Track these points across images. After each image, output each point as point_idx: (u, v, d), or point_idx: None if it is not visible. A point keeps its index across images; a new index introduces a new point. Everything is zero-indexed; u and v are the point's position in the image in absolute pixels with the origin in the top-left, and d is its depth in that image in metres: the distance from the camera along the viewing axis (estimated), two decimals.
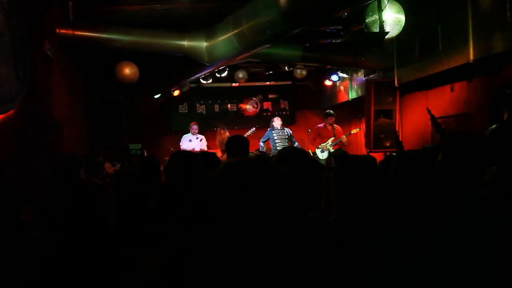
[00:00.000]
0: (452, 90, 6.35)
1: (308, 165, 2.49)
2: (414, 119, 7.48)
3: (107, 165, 6.40)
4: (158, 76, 8.65)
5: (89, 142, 7.99)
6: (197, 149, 8.59)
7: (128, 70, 6.40)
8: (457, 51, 5.60)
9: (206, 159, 3.12)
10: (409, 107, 7.67)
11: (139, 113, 9.93)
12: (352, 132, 8.58)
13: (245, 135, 7.99)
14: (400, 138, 7.74)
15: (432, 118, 3.42)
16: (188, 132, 9.20)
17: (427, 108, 3.36)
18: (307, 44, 7.80)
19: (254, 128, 8.70)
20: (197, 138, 9.10)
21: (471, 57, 5.35)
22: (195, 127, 9.13)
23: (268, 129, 8.53)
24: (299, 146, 8.39)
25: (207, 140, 9.28)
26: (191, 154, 2.78)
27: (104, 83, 8.07)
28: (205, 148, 8.91)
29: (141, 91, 8.82)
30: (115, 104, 8.48)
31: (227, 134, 8.10)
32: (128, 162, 7.21)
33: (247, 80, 10.01)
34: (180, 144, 9.05)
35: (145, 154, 8.26)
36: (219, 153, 8.65)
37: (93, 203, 1.82)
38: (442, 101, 6.56)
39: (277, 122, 8.40)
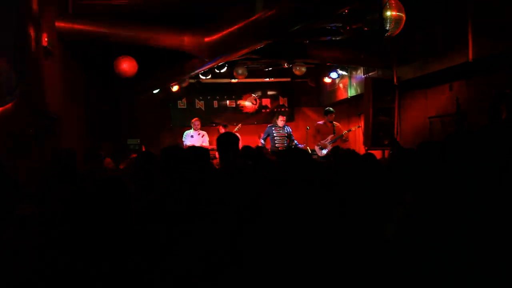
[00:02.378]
0: (451, 89, 6.36)
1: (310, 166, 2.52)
2: (413, 118, 7.49)
3: (108, 161, 6.38)
4: (157, 71, 8.63)
5: (87, 136, 7.97)
6: (198, 145, 8.56)
7: (126, 65, 6.39)
8: (457, 50, 5.60)
9: (196, 154, 3.12)
10: (408, 106, 7.68)
11: (137, 108, 9.92)
12: (352, 129, 8.58)
13: (234, 131, 8.03)
14: (397, 135, 7.76)
15: None
16: (190, 128, 9.17)
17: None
18: (307, 41, 7.80)
19: (240, 125, 8.79)
20: (199, 134, 9.06)
21: (470, 56, 5.36)
22: (197, 123, 9.08)
23: (269, 125, 8.50)
24: (298, 145, 8.39)
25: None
26: (179, 149, 2.78)
27: (103, 77, 8.05)
28: (208, 144, 8.89)
29: (140, 85, 8.79)
30: (113, 98, 8.45)
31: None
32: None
33: (246, 77, 10.00)
34: (183, 140, 9.02)
35: (143, 150, 8.25)
36: None
37: (104, 198, 1.80)
38: (441, 100, 6.57)
39: (280, 120, 8.35)
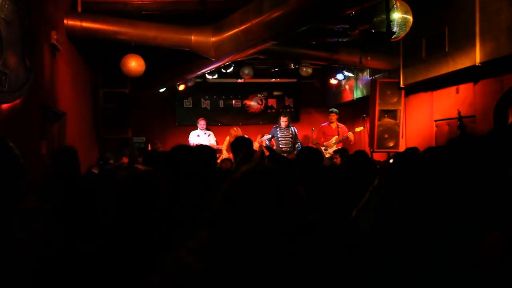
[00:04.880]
0: (457, 92, 6.34)
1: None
2: (418, 120, 7.47)
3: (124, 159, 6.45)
4: (164, 70, 8.67)
5: (94, 133, 8.02)
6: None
7: (134, 63, 6.42)
8: (464, 53, 5.59)
9: (203, 153, 3.14)
10: (414, 108, 7.66)
11: (143, 106, 9.95)
12: (356, 130, 8.58)
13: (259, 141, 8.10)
14: (403, 137, 7.73)
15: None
16: (195, 127, 9.22)
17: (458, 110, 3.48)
18: (314, 42, 7.80)
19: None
20: (205, 133, 9.11)
21: (478, 59, 5.34)
22: (202, 122, 9.14)
23: (274, 126, 8.53)
24: (301, 146, 8.40)
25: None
26: (189, 149, 2.79)
27: (110, 75, 8.09)
28: (214, 144, 8.91)
29: (147, 84, 8.84)
30: (120, 96, 8.49)
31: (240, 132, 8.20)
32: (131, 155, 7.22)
33: (253, 77, 10.01)
34: (189, 139, 9.06)
35: (149, 148, 8.28)
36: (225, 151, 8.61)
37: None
38: (447, 102, 6.55)
39: (282, 121, 8.38)
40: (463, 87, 6.21)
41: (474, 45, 5.37)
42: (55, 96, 5.40)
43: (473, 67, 5.45)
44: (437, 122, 6.85)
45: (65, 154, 3.39)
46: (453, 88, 6.41)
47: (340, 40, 7.47)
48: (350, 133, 8.31)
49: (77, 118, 6.53)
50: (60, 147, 4.27)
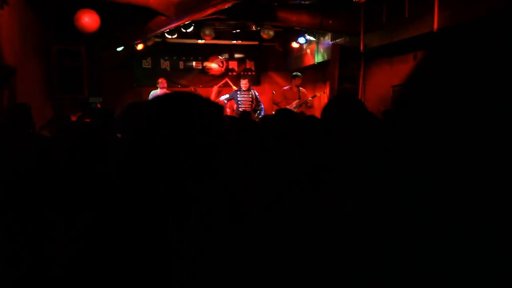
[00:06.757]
0: (415, 58, 6.46)
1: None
2: (377, 86, 7.59)
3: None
4: (121, 28, 8.33)
5: (47, 92, 7.70)
6: None
7: (87, 19, 6.14)
8: (423, 19, 5.66)
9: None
10: (373, 74, 7.76)
11: (100, 66, 9.60)
12: (316, 95, 8.64)
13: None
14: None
15: None
16: (156, 88, 9.02)
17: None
18: (276, 4, 7.69)
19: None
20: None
21: (436, 26, 5.43)
22: (163, 82, 8.95)
23: (235, 89, 8.49)
24: (263, 109, 8.41)
25: None
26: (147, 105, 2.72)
27: (64, 32, 7.70)
28: None
29: (104, 43, 8.49)
30: (75, 54, 8.12)
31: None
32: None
33: (213, 38, 9.81)
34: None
35: (99, 106, 8.05)
36: None
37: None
38: (405, 68, 6.67)
39: (242, 84, 8.34)
40: (420, 54, 6.33)
41: (432, 12, 5.44)
42: (3, 51, 5.11)
43: (431, 33, 5.54)
44: (394, 87, 6.99)
45: (18, 111, 3.26)
46: (411, 55, 6.52)
47: (302, 2, 7.39)
48: (310, 98, 8.37)
49: (28, 76, 6.23)
50: (12, 105, 4.07)
